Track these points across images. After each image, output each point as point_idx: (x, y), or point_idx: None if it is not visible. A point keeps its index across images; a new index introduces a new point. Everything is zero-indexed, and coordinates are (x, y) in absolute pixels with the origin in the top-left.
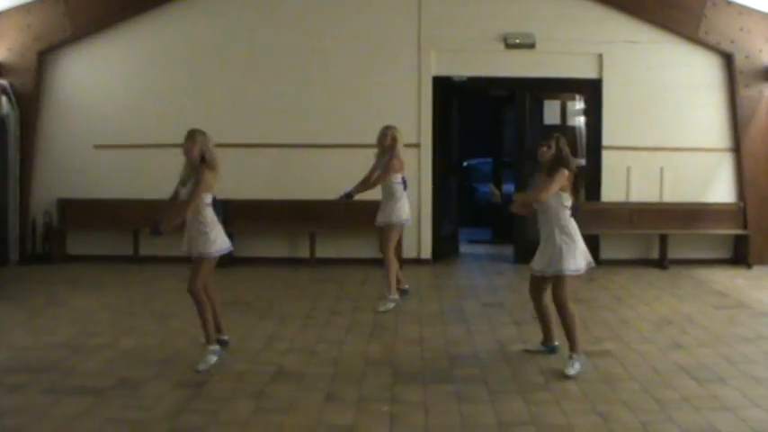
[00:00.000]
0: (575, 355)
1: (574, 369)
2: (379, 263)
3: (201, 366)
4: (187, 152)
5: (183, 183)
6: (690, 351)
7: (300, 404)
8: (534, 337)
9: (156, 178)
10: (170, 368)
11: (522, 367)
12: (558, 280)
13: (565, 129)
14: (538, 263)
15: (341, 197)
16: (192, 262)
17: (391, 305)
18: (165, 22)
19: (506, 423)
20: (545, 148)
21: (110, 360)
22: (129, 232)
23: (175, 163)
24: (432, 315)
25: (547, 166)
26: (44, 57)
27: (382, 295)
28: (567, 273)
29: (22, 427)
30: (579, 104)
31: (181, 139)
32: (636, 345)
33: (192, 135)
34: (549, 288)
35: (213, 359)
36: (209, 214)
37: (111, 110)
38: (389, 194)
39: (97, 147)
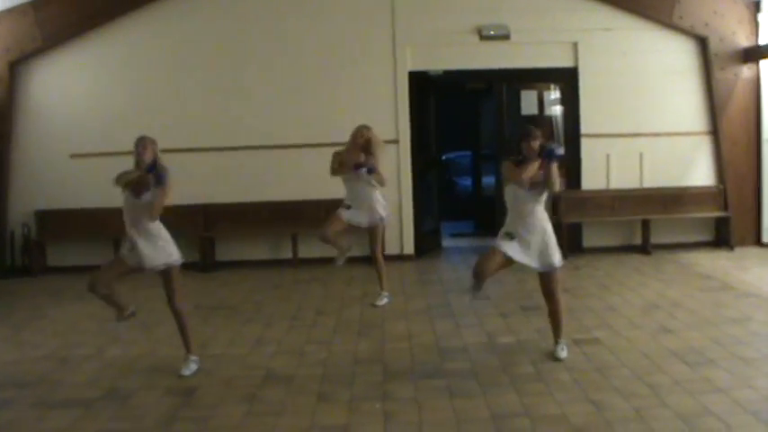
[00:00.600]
0: (561, 341)
1: (565, 351)
2: (366, 261)
3: (186, 372)
4: (140, 156)
5: (135, 193)
6: (678, 335)
7: (292, 406)
8: (523, 327)
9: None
10: (158, 377)
11: (513, 359)
12: (553, 273)
13: (542, 118)
14: (533, 259)
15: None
16: (148, 275)
17: (386, 300)
18: (136, 28)
19: (500, 415)
20: (534, 141)
21: (97, 371)
22: (109, 241)
23: None
24: (418, 311)
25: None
26: (16, 67)
27: (372, 292)
28: (560, 265)
29: None
30: (556, 94)
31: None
32: (624, 331)
33: (143, 140)
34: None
35: (195, 367)
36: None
37: (86, 118)
38: (373, 193)
39: (73, 156)
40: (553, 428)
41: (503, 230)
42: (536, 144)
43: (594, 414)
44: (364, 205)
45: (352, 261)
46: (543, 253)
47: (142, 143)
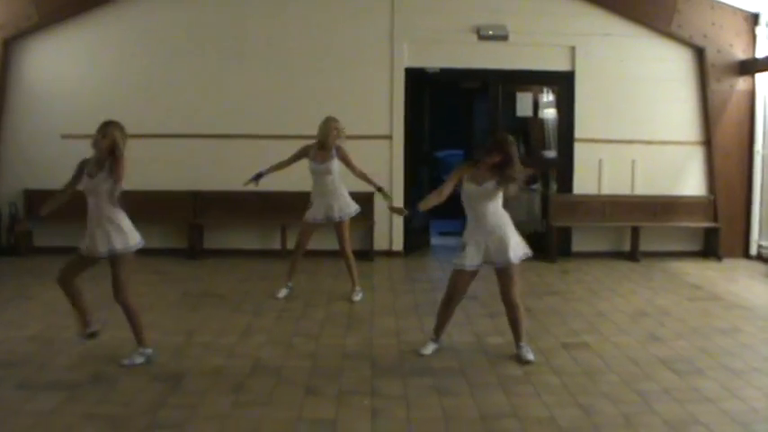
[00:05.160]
0: (524, 343)
1: (531, 354)
2: (354, 255)
3: (127, 361)
4: (95, 144)
5: (90, 175)
6: (667, 343)
7: (280, 398)
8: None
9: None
10: (145, 362)
11: (501, 360)
12: (511, 271)
13: (536, 121)
14: (496, 255)
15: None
16: (98, 262)
17: (360, 295)
18: (133, 10)
19: (489, 416)
20: (495, 157)
21: (83, 354)
22: None
23: (143, 152)
24: (406, 308)
25: (496, 167)
26: (10, 45)
27: (361, 286)
28: (516, 261)
29: None
30: (549, 97)
31: (150, 129)
32: (613, 337)
33: (104, 128)
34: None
35: (140, 360)
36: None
37: (79, 99)
38: (340, 186)
39: (64, 136)
40: (542, 431)
41: (461, 242)
42: (493, 160)
43: (583, 418)
44: (326, 200)
45: (341, 255)
46: (501, 251)
47: (102, 132)
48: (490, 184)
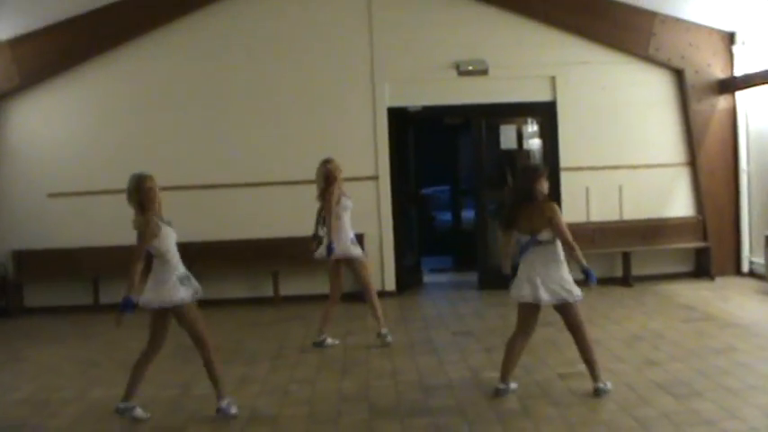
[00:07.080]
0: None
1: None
2: (348, 297)
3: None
4: (156, 195)
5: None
6: (663, 367)
7: None
8: None
9: (112, 224)
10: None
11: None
12: (573, 306)
13: (522, 152)
14: (546, 292)
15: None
16: (166, 315)
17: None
18: (113, 68)
19: None
20: (544, 180)
21: (79, 414)
22: (87, 281)
23: (127, 207)
24: (402, 347)
25: (543, 198)
26: None
27: (353, 329)
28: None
29: None
30: (534, 127)
31: None
32: (609, 364)
33: (154, 180)
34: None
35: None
36: None
37: (64, 157)
38: (349, 224)
39: (51, 195)
40: None
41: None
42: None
43: None
44: (345, 235)
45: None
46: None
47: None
48: None
